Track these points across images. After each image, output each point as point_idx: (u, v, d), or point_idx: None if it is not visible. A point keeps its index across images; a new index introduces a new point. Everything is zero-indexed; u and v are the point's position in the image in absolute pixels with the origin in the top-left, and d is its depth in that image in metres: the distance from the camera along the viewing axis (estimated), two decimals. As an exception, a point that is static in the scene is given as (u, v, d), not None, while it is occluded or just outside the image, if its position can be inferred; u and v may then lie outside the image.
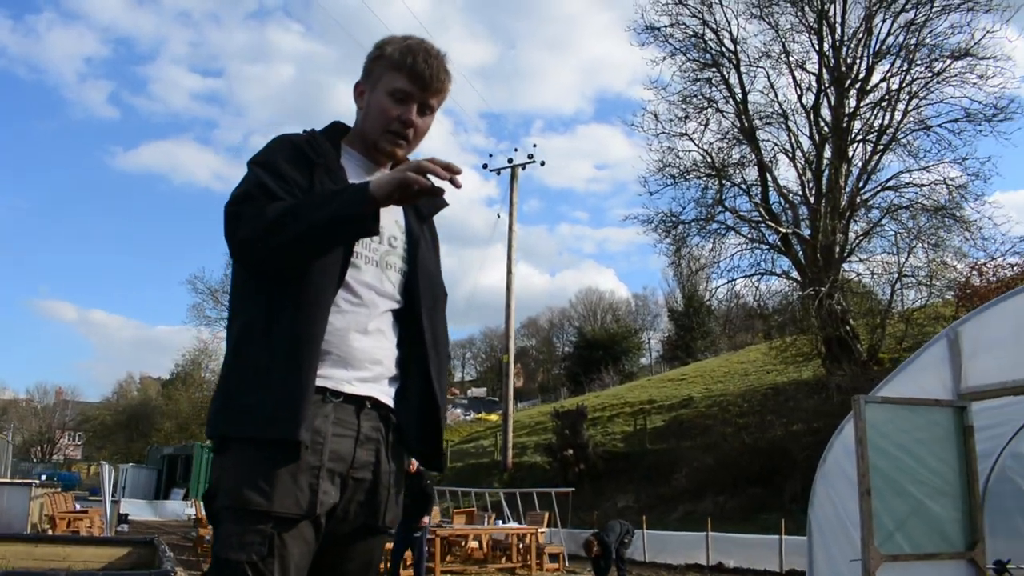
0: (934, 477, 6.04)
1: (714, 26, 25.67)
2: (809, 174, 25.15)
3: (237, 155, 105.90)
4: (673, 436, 25.96)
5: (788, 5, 24.99)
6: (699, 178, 26.11)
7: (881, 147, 24.12)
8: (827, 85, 24.85)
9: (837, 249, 23.86)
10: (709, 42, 25.93)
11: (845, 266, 24.48)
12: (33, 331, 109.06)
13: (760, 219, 25.21)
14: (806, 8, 24.76)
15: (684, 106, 26.18)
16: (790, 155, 25.56)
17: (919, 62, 23.55)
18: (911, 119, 24.00)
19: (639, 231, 56.63)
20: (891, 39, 24.11)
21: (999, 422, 7.24)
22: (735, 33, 25.58)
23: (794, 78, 25.42)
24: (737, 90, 25.78)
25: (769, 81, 25.82)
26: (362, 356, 1.95)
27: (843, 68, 24.53)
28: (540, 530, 15.10)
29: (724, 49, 25.83)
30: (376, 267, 2.02)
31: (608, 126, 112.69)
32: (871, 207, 24.63)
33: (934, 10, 23.26)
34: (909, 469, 6.01)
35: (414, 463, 8.49)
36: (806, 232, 24.56)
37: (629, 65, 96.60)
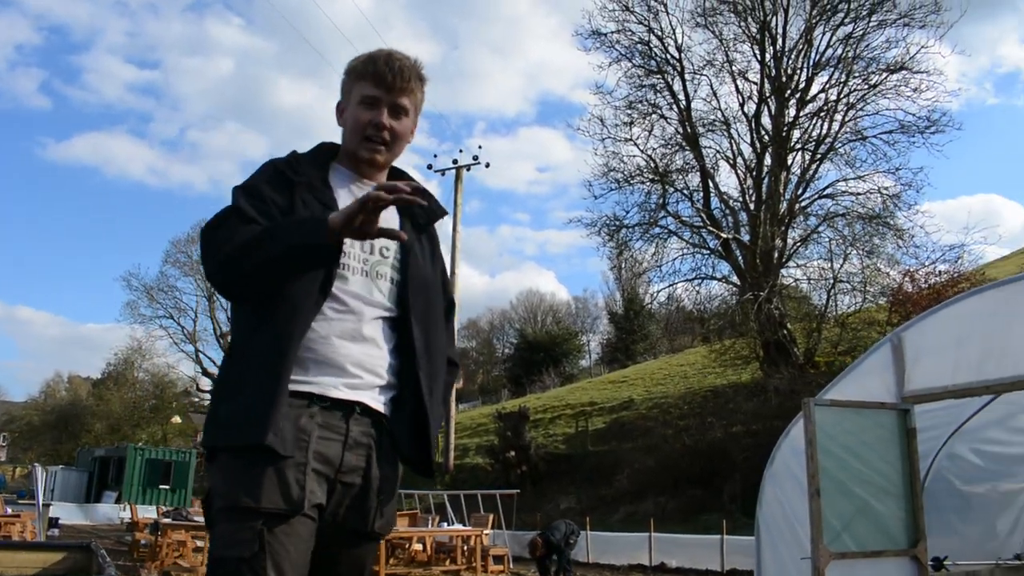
0: (879, 477, 6.22)
1: (659, 33, 26.13)
2: (750, 181, 25.72)
3: (173, 149, 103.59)
4: (614, 438, 26.25)
5: (732, 15, 25.56)
6: (643, 183, 26.51)
7: (819, 156, 24.79)
8: (768, 95, 25.42)
9: (776, 255, 24.43)
10: (654, 49, 26.37)
11: (783, 271, 25.10)
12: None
13: (702, 224, 25.68)
14: (749, 19, 25.32)
15: (629, 111, 26.60)
16: (731, 162, 26.15)
17: (856, 74, 24.32)
18: (848, 129, 24.76)
19: (583, 234, 56.96)
20: (830, 51, 24.88)
21: (935, 424, 7.48)
22: (680, 41, 26.08)
23: (736, 87, 26.02)
24: (681, 97, 26.25)
25: (712, 89, 26.38)
26: (350, 362, 1.98)
27: (784, 78, 25.12)
28: (485, 532, 15.09)
29: (669, 56, 26.29)
30: (365, 277, 2.05)
31: (550, 129, 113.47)
32: (808, 214, 25.32)
33: (871, 24, 24.06)
34: (855, 470, 6.18)
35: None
36: (746, 238, 25.08)
37: (572, 69, 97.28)
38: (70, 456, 44.40)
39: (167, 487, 29.57)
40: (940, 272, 22.02)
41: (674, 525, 17.40)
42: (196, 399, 54.90)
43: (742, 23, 25.49)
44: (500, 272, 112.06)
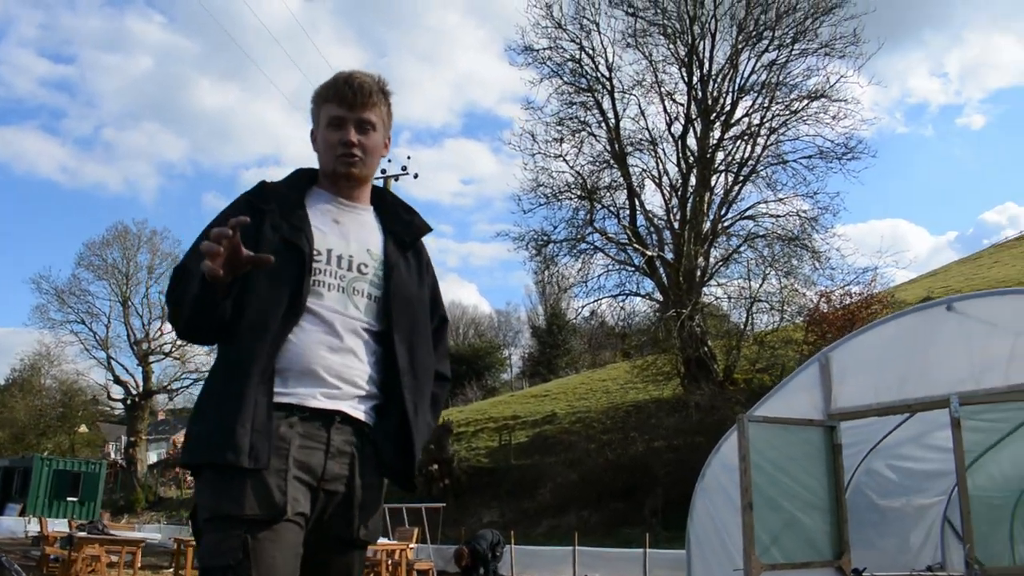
0: (806, 492, 6.46)
1: (591, 52, 26.52)
2: (675, 200, 26.30)
3: (87, 147, 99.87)
4: (537, 452, 26.36)
5: (661, 38, 26.13)
6: (571, 199, 26.80)
7: (742, 178, 25.53)
8: (694, 116, 26.05)
9: (698, 273, 25.00)
10: (585, 67, 26.75)
11: (705, 290, 25.69)
12: None
13: (627, 242, 26.09)
14: (678, 42, 25.93)
15: (559, 128, 26.89)
16: (657, 181, 26.67)
17: (779, 100, 25.19)
18: (770, 153, 25.58)
19: (509, 248, 57.16)
20: (754, 77, 25.67)
21: (855, 441, 7.79)
22: (610, 60, 26.52)
23: (664, 107, 26.59)
24: (610, 115, 26.69)
25: (640, 109, 26.88)
26: (328, 372, 2.01)
27: (710, 101, 25.81)
28: (409, 546, 15.00)
29: (599, 75, 26.69)
30: (341, 293, 2.09)
31: (476, 141, 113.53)
32: (730, 234, 26.00)
33: (794, 52, 24.96)
34: (784, 484, 6.40)
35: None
36: (670, 256, 25.60)
37: (499, 82, 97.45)
38: (-31, 466, 42.35)
39: (75, 499, 28.42)
40: (853, 294, 22.91)
41: (596, 539, 17.58)
42: (106, 408, 52.99)
43: (671, 45, 26.11)
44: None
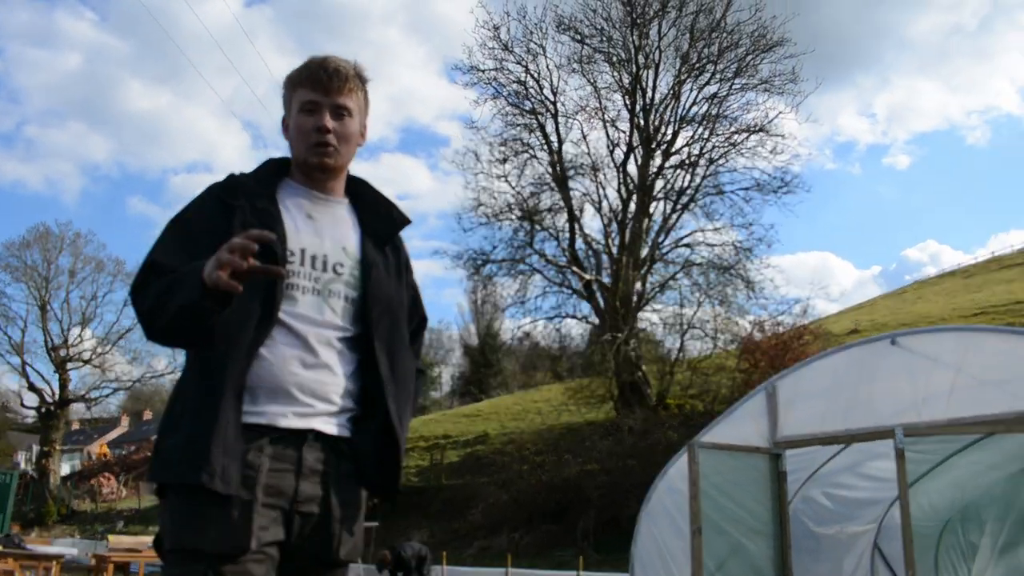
0: (751, 518, 6.55)
1: (536, 75, 26.81)
2: (614, 225, 26.68)
3: (7, 144, 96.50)
4: (469, 472, 26.24)
5: (606, 65, 26.61)
6: (512, 220, 26.94)
7: (680, 206, 26.08)
8: (636, 144, 26.55)
9: (635, 298, 25.32)
10: (530, 90, 27.06)
11: (641, 315, 26.05)
12: None
13: (566, 264, 26.30)
14: (622, 70, 26.44)
15: (503, 148, 27.04)
16: (597, 206, 27.05)
17: (719, 132, 25.86)
18: (708, 183, 26.18)
19: (446, 265, 57.13)
20: (696, 108, 26.34)
21: (794, 468, 7.93)
22: (555, 84, 26.88)
23: (607, 134, 27.04)
24: (553, 139, 27.03)
25: (583, 134, 27.30)
26: (299, 390, 1.90)
27: (651, 130, 26.31)
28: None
29: (544, 98, 27.03)
30: (316, 296, 1.97)
31: (412, 157, 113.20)
32: (667, 261, 26.51)
33: (735, 87, 25.66)
34: (729, 510, 6.48)
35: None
36: (608, 280, 25.88)
37: (437, 100, 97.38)
38: None
39: (-16, 511, 27.14)
40: (784, 324, 23.47)
41: (528, 560, 17.54)
42: (18, 416, 50.95)
43: (616, 73, 26.60)
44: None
